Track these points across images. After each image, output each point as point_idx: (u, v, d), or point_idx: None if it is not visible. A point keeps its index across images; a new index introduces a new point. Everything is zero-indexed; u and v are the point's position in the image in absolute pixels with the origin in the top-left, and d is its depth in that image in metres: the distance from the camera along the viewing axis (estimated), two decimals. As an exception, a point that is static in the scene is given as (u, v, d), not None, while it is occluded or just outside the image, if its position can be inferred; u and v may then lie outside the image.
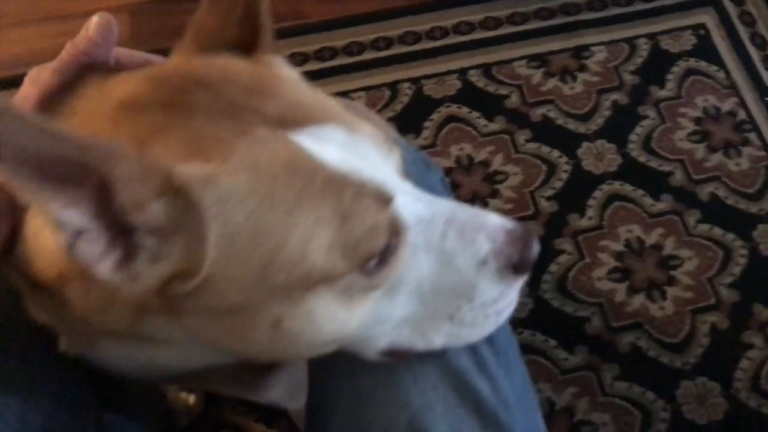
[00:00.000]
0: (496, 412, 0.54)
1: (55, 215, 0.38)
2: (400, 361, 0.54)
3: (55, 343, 0.52)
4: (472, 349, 0.56)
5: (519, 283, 0.52)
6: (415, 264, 0.48)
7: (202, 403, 1.06)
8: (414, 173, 0.56)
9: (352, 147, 0.46)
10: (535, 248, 0.51)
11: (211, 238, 0.41)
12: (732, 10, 1.47)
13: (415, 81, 1.38)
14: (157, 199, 0.39)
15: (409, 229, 0.47)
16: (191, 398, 1.05)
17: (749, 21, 1.46)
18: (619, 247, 1.24)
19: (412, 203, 0.48)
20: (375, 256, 0.45)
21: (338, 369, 0.57)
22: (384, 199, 0.45)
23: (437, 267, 0.49)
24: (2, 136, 0.34)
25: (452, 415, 0.53)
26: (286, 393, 0.66)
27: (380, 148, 0.48)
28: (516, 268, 0.50)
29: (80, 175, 0.37)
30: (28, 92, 0.49)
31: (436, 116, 1.34)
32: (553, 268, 1.21)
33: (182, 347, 0.49)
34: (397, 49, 1.42)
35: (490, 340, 0.56)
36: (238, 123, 0.44)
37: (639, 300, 1.19)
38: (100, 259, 0.40)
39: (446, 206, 0.50)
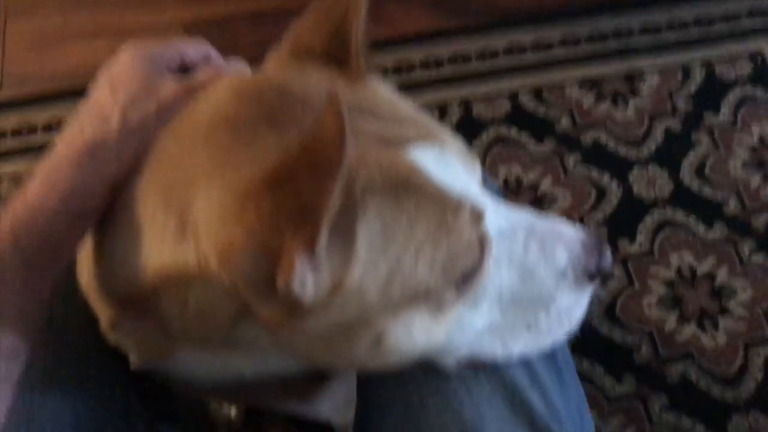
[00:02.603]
0: (548, 425, 0.53)
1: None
2: (478, 369, 0.54)
3: (119, 359, 0.52)
4: (527, 364, 0.56)
5: (591, 288, 0.52)
6: (497, 276, 0.48)
7: (243, 417, 1.06)
8: None
9: (445, 163, 0.46)
10: (609, 256, 0.51)
11: (359, 242, 0.41)
12: (790, 38, 1.45)
13: (463, 102, 1.37)
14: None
15: (492, 242, 0.47)
16: (232, 412, 1.04)
17: (808, 49, 1.43)
18: (670, 274, 1.21)
19: (494, 216, 0.48)
20: (469, 272, 0.45)
21: (389, 380, 0.56)
22: (477, 215, 0.46)
23: (519, 279, 0.49)
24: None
25: (505, 427, 0.52)
26: (336, 407, 0.65)
27: (466, 163, 0.48)
28: (591, 277, 0.51)
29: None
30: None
31: (485, 136, 1.34)
32: (601, 293, 1.18)
33: (264, 354, 0.49)
34: (447, 70, 1.42)
35: (549, 357, 0.56)
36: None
37: (690, 330, 1.16)
38: (307, 282, 0.40)
39: (524, 218, 0.50)
